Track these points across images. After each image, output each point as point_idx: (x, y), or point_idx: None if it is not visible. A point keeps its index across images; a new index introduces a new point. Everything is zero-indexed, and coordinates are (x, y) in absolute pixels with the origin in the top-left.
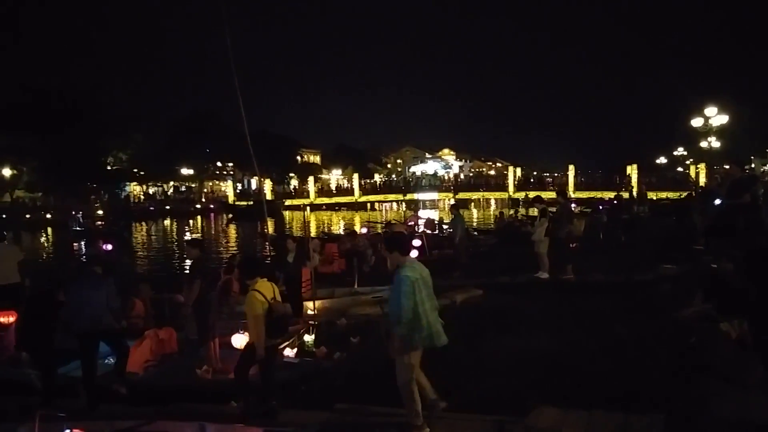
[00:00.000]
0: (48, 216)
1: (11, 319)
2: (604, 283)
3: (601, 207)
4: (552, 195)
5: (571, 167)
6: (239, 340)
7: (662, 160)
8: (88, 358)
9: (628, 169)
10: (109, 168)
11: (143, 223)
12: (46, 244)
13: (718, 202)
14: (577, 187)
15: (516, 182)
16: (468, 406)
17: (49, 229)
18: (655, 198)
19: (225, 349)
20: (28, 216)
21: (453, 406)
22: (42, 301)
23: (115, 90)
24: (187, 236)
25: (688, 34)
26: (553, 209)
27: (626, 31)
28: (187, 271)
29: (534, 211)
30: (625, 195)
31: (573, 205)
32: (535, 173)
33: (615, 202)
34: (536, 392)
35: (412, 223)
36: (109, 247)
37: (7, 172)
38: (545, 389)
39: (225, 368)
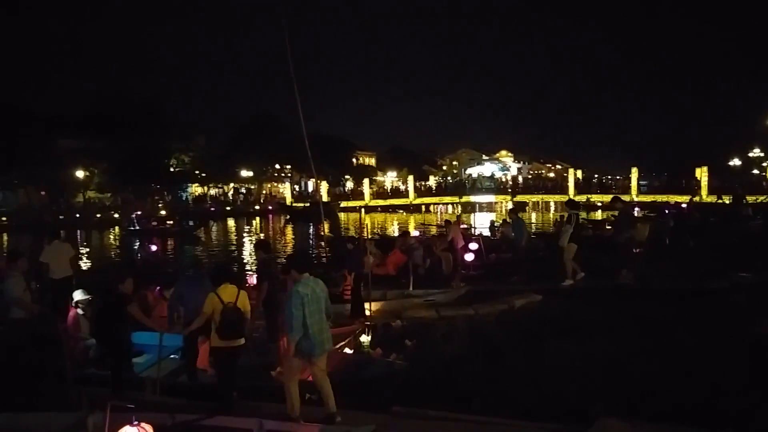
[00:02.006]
0: (116, 216)
1: (79, 312)
2: (671, 290)
3: (667, 211)
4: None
5: (635, 170)
6: None
7: (736, 162)
8: (189, 345)
9: (698, 171)
10: (172, 170)
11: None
12: (104, 243)
13: None
14: (641, 191)
15: (577, 185)
16: (527, 413)
17: (117, 228)
18: (728, 202)
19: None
20: (98, 215)
21: (511, 413)
22: (112, 299)
23: (178, 95)
24: (245, 236)
25: (763, 28)
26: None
27: (696, 25)
28: (255, 272)
29: (597, 215)
30: (696, 199)
31: (636, 209)
32: (596, 176)
33: (684, 205)
34: (599, 402)
35: (466, 226)
36: (154, 248)
37: (80, 174)
38: (608, 399)
39: None
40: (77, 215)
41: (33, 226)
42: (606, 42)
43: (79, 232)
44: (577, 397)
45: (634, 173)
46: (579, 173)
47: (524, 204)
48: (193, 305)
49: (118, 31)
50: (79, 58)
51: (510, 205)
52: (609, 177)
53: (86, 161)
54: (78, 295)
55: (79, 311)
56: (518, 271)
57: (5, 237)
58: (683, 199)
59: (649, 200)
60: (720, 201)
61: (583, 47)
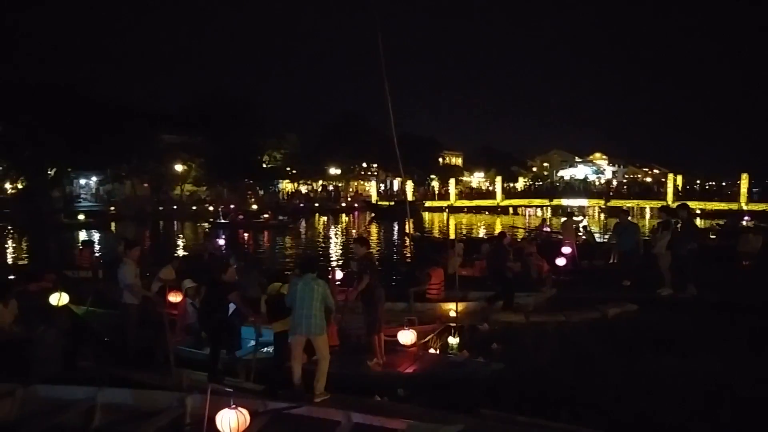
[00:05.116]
0: (210, 208)
1: (179, 297)
2: None
3: None
4: (720, 206)
5: (745, 175)
6: (405, 336)
7: None
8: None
9: None
10: (264, 166)
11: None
12: (195, 234)
13: None
14: (752, 198)
15: (676, 191)
16: (621, 428)
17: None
18: None
19: (388, 344)
20: (194, 208)
21: (605, 426)
22: (216, 287)
23: (273, 93)
24: (333, 232)
25: None
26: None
27: None
28: (356, 267)
29: (698, 223)
30: None
31: (746, 218)
32: (698, 181)
33: None
34: (702, 422)
35: (548, 229)
36: (221, 242)
37: (179, 167)
38: (713, 420)
39: (387, 362)
40: (174, 207)
41: (136, 216)
42: (713, 38)
43: (175, 223)
44: (676, 415)
45: (744, 179)
46: (679, 179)
47: (619, 209)
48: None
49: (216, 32)
50: (181, 57)
51: (598, 210)
52: (713, 183)
53: (185, 156)
54: (187, 283)
55: (188, 300)
56: (621, 278)
57: (113, 225)
58: None
59: (761, 209)
60: None
61: (688, 45)
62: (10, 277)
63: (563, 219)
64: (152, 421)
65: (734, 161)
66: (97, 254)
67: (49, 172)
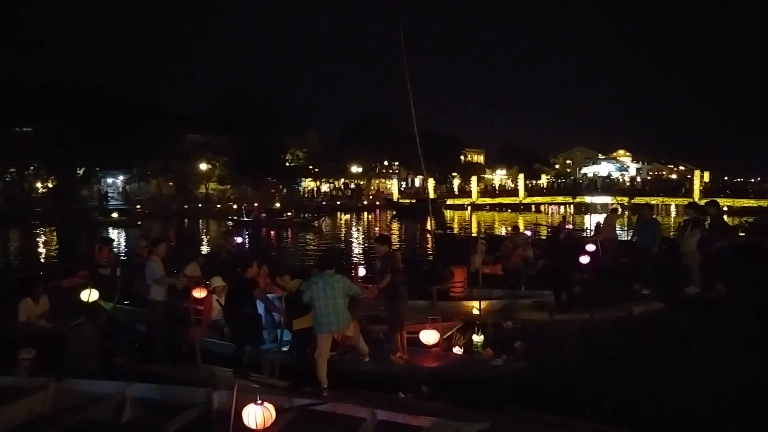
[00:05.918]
0: (234, 207)
1: (204, 293)
2: None
3: None
4: (750, 203)
5: None
6: (428, 336)
7: None
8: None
9: None
10: (287, 164)
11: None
12: (217, 232)
13: None
14: None
15: (703, 188)
16: (648, 427)
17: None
18: None
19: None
20: (218, 206)
21: (631, 424)
22: (240, 283)
23: (295, 92)
24: (355, 230)
25: None
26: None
27: None
28: (379, 265)
29: (730, 221)
30: None
31: None
32: (725, 178)
33: None
34: (731, 421)
35: (571, 227)
36: (239, 240)
37: (203, 166)
38: (742, 419)
39: (410, 359)
40: (199, 205)
41: (162, 214)
42: (739, 33)
43: (200, 220)
44: (704, 415)
45: None
46: (706, 175)
47: (643, 206)
48: None
49: (239, 32)
50: (204, 57)
51: (614, 205)
52: (741, 179)
53: (209, 155)
54: (216, 282)
55: (214, 296)
56: (640, 278)
57: (139, 223)
58: None
59: None
60: None
61: (714, 40)
62: (41, 275)
63: (606, 215)
64: (180, 415)
65: (764, 157)
66: (118, 252)
67: (78, 171)
